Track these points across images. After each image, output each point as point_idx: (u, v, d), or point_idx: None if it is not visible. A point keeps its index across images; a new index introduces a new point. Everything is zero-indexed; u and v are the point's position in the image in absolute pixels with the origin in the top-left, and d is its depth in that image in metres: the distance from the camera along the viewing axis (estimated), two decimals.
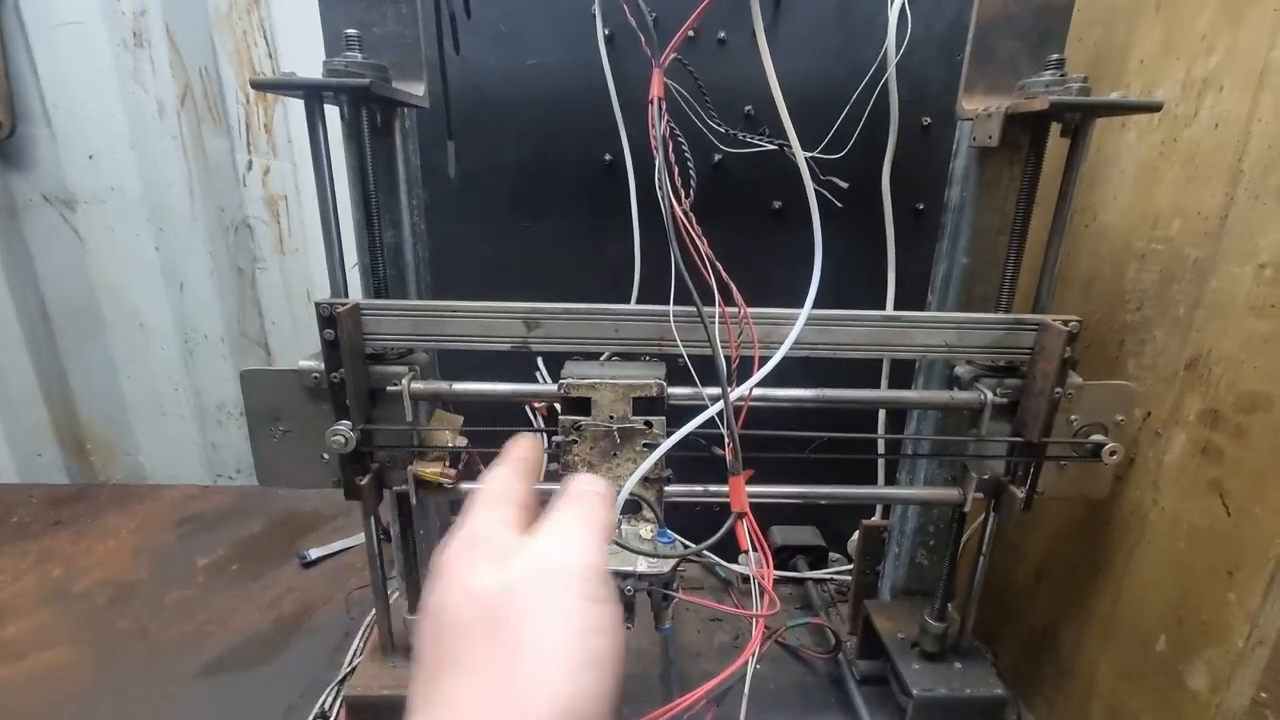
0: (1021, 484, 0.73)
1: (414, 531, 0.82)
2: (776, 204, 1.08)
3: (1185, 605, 0.70)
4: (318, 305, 0.66)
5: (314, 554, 1.37)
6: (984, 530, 0.82)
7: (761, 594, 0.61)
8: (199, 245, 1.48)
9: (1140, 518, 0.77)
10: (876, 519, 1.07)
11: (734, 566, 1.25)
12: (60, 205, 1.46)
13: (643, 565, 0.63)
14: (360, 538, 1.43)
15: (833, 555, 1.26)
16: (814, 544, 1.25)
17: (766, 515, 1.25)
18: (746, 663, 0.59)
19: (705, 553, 0.95)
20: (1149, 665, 0.75)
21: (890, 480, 1.08)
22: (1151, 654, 0.75)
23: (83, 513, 1.55)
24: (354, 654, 1.04)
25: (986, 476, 0.75)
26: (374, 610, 0.89)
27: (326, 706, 0.95)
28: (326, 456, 0.73)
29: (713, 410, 0.64)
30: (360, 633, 1.09)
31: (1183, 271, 0.71)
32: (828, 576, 1.21)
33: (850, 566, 1.16)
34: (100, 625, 1.18)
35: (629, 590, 0.63)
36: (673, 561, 0.64)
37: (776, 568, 1.22)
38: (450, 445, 0.74)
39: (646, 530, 0.67)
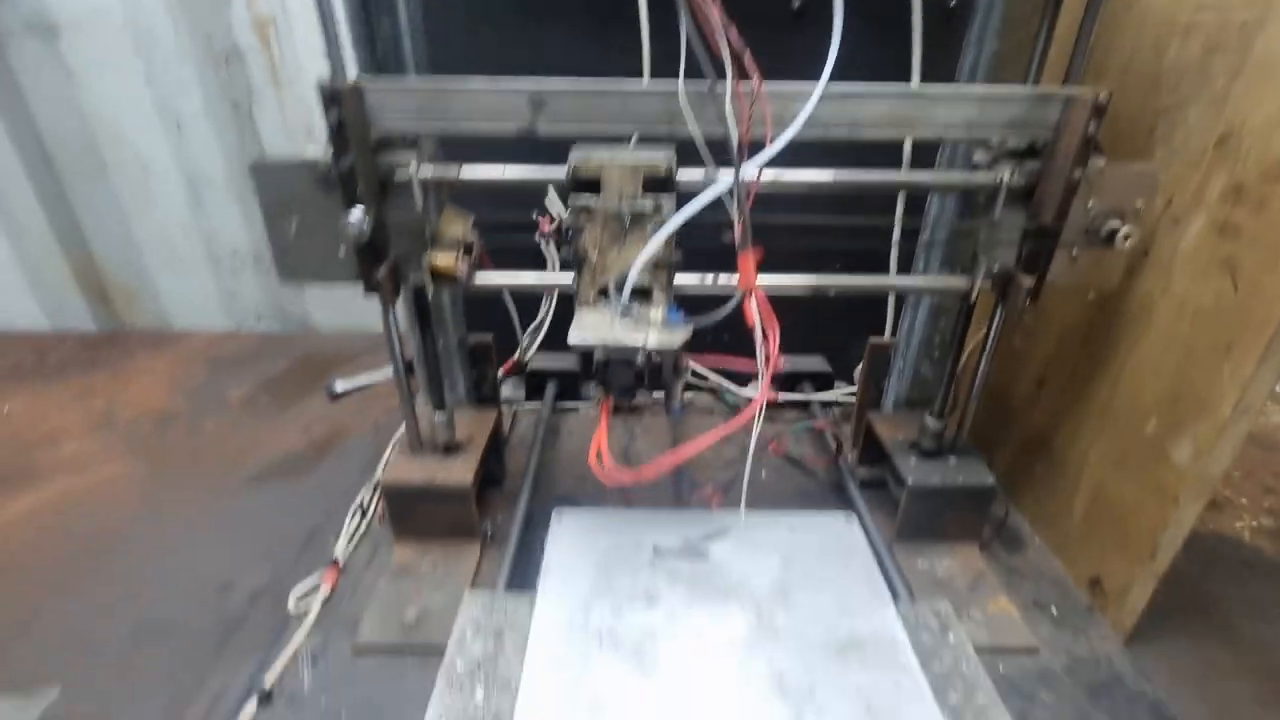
0: (1031, 273, 0.74)
1: (432, 328, 0.85)
2: (796, 2, 1.00)
3: (1181, 384, 0.73)
4: (319, 87, 0.64)
5: (340, 387, 1.43)
6: (988, 334, 0.84)
7: (767, 363, 0.63)
8: (189, 76, 1.42)
9: (1147, 308, 0.77)
10: (884, 338, 1.09)
11: (742, 391, 1.29)
12: (43, 33, 1.39)
13: (653, 340, 0.65)
14: (386, 373, 1.49)
15: (839, 384, 1.30)
16: (821, 370, 1.29)
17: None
18: (753, 419, 0.62)
19: (713, 376, 0.97)
20: (1137, 448, 0.79)
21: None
22: (1141, 437, 0.78)
23: (115, 355, 1.61)
24: (385, 462, 1.11)
25: (997, 267, 0.75)
26: (402, 427, 0.95)
27: (365, 501, 1.03)
28: (343, 249, 0.74)
29: (723, 185, 0.63)
30: (391, 445, 1.15)
31: (1228, 39, 0.67)
32: (833, 399, 1.25)
33: (855, 388, 1.19)
34: (148, 448, 1.26)
35: (639, 363, 0.65)
36: (682, 335, 0.66)
37: (783, 392, 1.27)
38: (461, 239, 0.74)
39: (656, 313, 0.69)
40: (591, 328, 0.66)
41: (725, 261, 0.69)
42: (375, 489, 1.05)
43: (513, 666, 0.65)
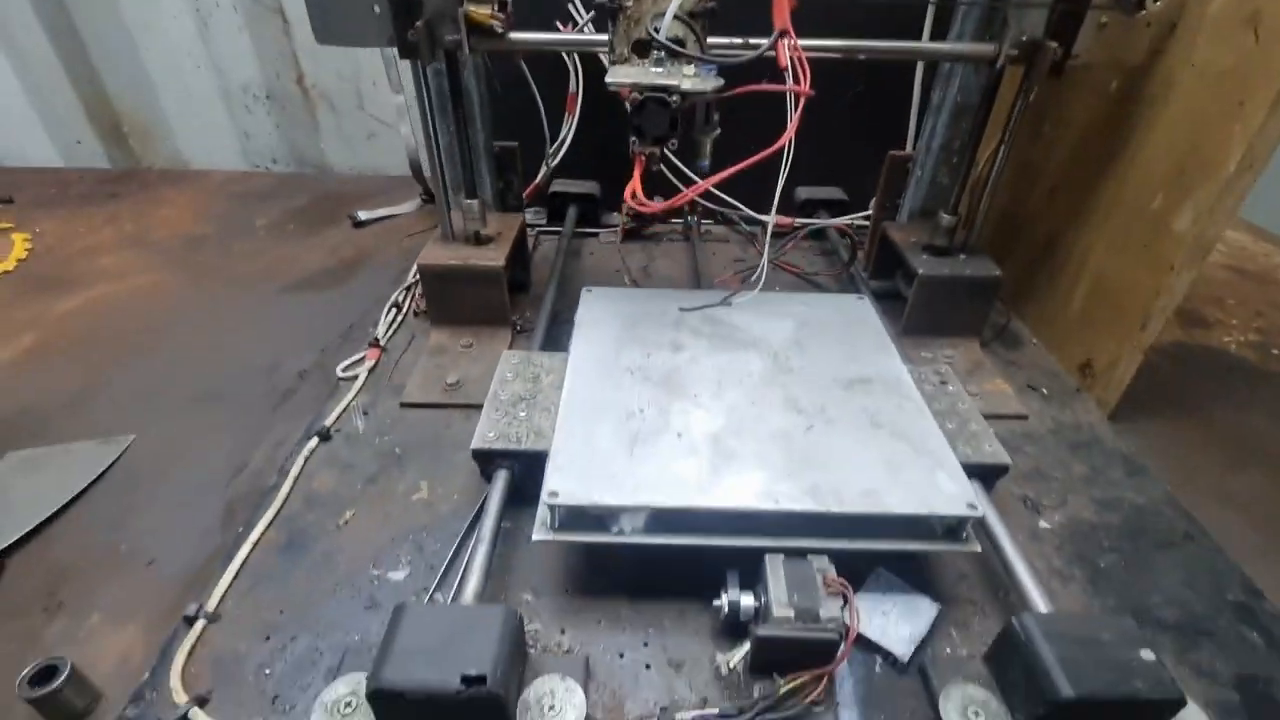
0: (1059, 40, 0.75)
1: (463, 108, 0.87)
2: None
3: (1191, 154, 0.75)
4: None
5: (363, 215, 1.46)
6: (1005, 134, 0.85)
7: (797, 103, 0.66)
8: None
9: (1167, 84, 0.79)
10: (904, 150, 1.10)
11: (761, 217, 1.32)
12: None
13: (687, 84, 0.67)
14: (407, 205, 1.52)
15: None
16: (838, 198, 1.31)
17: (795, 175, 1.30)
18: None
19: (730, 201, 0.97)
20: (1140, 228, 0.83)
21: (928, 90, 1.08)
22: (1145, 216, 0.82)
23: (136, 189, 1.63)
24: (416, 271, 1.15)
25: (1025, 36, 0.76)
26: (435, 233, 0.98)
27: (399, 298, 1.08)
28: (378, 9, 0.74)
29: None
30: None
31: None
32: (850, 221, 1.28)
33: (870, 213, 1.22)
34: (181, 262, 1.30)
35: (674, 102, 0.68)
36: (714, 82, 0.68)
37: (800, 218, 1.29)
38: None
39: (690, 68, 0.70)
40: (627, 74, 0.68)
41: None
42: (409, 288, 1.10)
43: (550, 397, 0.72)
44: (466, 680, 0.47)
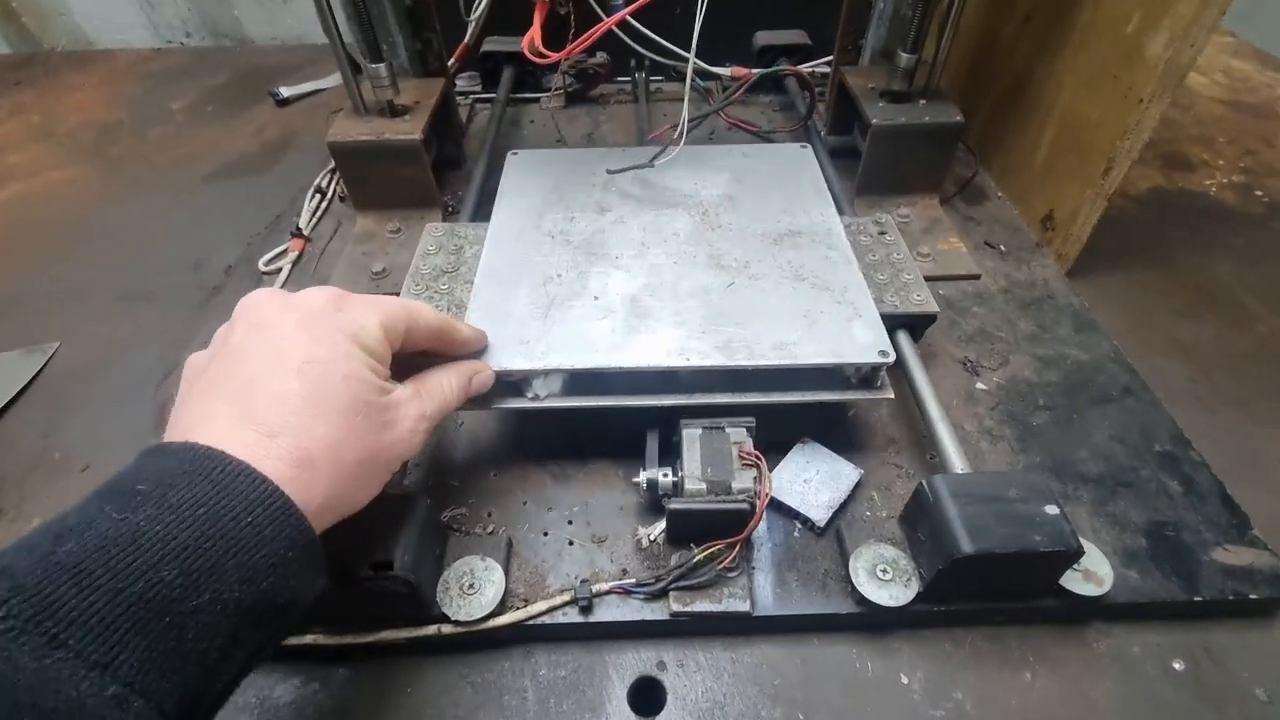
0: None
1: None
2: None
3: None
4: None
5: (286, 92, 1.34)
6: None
7: None
8: None
9: None
10: None
11: (714, 70, 1.20)
12: None
13: None
14: (332, 79, 1.39)
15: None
16: (800, 43, 1.19)
17: (756, 17, 1.16)
18: None
19: (681, 54, 0.86)
20: (1111, 55, 0.75)
21: None
22: (1119, 42, 0.73)
23: (39, 75, 1.49)
24: None
25: None
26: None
27: (323, 183, 1.01)
28: None
29: None
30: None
31: None
32: (810, 69, 1.17)
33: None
34: (96, 154, 1.21)
35: None
36: None
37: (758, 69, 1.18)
38: None
39: None
40: None
41: None
42: (333, 171, 1.02)
43: (474, 269, 0.68)
44: (375, 566, 0.48)
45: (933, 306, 0.65)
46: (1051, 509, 0.50)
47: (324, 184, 1.01)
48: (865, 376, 0.58)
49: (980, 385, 0.71)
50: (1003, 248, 0.89)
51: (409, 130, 0.85)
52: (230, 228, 1.00)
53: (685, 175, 0.76)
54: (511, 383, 0.58)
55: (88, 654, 0.27)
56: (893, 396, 0.58)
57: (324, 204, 0.99)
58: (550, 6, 0.63)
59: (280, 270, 0.87)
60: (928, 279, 0.71)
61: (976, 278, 0.84)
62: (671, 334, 0.58)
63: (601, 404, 0.58)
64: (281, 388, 0.40)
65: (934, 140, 0.88)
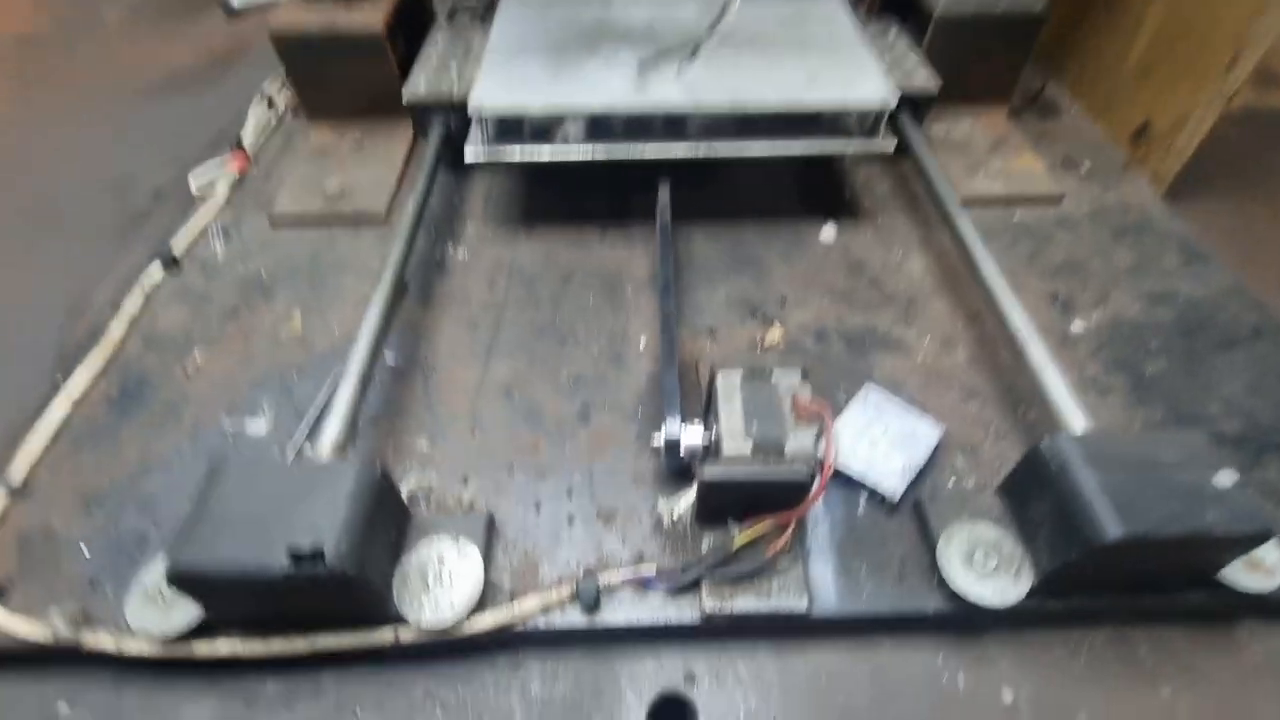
0: None
1: None
2: None
3: None
4: None
5: (238, 2, 1.16)
6: None
7: None
8: None
9: None
10: None
11: None
12: None
13: None
14: None
15: None
16: None
17: None
18: None
19: None
20: None
21: None
22: None
23: None
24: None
25: None
26: None
27: (274, 94, 0.85)
28: None
29: None
30: None
31: None
32: None
33: None
34: (14, 70, 1.04)
35: None
36: None
37: None
38: None
39: None
40: None
41: None
42: (281, 85, 0.86)
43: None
44: (297, 556, 0.35)
45: (933, 85, 0.67)
46: (1225, 479, 0.37)
47: (273, 93, 0.85)
48: (868, 128, 0.61)
49: (1076, 326, 0.58)
50: (1086, 166, 0.74)
51: (369, 20, 0.70)
52: (166, 147, 0.84)
53: None
54: (525, 129, 0.60)
55: None
56: (891, 151, 0.62)
57: (274, 119, 0.83)
58: None
59: (216, 192, 0.72)
60: (997, 201, 0.64)
61: (1059, 201, 0.70)
62: (682, 84, 0.59)
63: (613, 157, 0.60)
64: None
65: (1007, 34, 0.72)
